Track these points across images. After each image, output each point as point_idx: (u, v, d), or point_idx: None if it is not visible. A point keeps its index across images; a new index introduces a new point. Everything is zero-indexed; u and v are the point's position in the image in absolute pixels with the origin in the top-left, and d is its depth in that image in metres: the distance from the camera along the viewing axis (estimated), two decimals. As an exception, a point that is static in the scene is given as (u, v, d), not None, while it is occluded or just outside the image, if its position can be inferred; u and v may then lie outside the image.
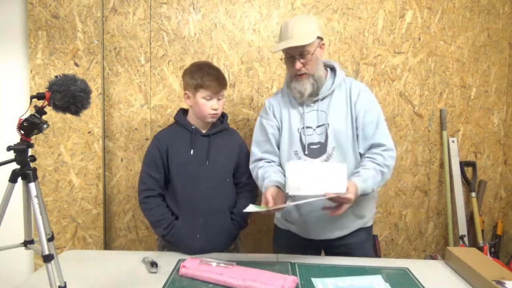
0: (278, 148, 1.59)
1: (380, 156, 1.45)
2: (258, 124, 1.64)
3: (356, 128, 1.51)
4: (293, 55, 1.45)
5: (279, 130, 1.59)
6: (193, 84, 1.60)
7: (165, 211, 1.61)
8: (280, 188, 1.43)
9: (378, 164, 1.43)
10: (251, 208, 1.33)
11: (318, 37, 1.47)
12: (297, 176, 1.24)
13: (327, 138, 1.49)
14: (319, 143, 1.50)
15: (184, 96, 1.66)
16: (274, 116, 1.59)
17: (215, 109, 1.61)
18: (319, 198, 1.27)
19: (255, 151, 1.61)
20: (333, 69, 1.59)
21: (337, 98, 1.53)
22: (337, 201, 1.30)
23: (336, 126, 1.50)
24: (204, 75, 1.59)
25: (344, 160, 1.48)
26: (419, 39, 2.22)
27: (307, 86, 1.47)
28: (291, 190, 1.25)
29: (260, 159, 1.59)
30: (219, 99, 1.63)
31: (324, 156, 1.49)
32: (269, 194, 1.36)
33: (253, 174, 1.60)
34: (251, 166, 1.62)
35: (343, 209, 1.31)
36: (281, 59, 1.56)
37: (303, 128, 1.52)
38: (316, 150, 1.50)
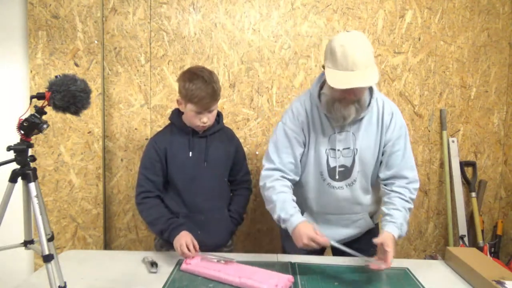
0: (301, 166, 1.51)
1: (407, 190, 1.43)
2: (283, 132, 1.48)
3: (382, 154, 1.48)
4: None
5: (305, 146, 1.49)
6: (183, 94, 1.54)
7: (164, 210, 1.60)
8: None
9: (407, 201, 1.42)
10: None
11: None
12: None
13: (353, 162, 1.45)
14: (343, 166, 1.46)
15: (177, 101, 1.60)
16: (302, 130, 1.47)
17: (205, 123, 1.56)
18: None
19: (274, 158, 1.48)
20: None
21: (368, 119, 1.45)
22: (382, 259, 1.33)
23: (365, 152, 1.45)
24: (194, 91, 1.49)
25: (367, 183, 1.49)
26: (419, 39, 2.21)
27: (351, 112, 1.36)
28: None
29: (277, 170, 1.47)
30: (209, 112, 1.55)
31: (349, 180, 1.47)
32: (315, 234, 1.31)
33: (265, 183, 1.47)
34: (264, 173, 1.50)
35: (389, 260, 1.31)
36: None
37: (331, 149, 1.46)
38: (341, 173, 1.47)
